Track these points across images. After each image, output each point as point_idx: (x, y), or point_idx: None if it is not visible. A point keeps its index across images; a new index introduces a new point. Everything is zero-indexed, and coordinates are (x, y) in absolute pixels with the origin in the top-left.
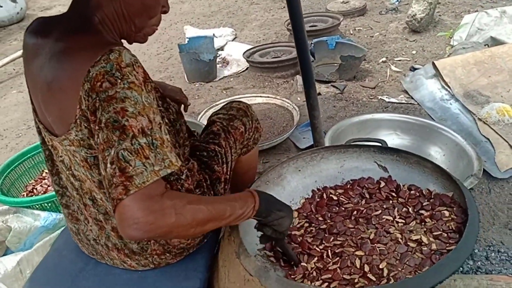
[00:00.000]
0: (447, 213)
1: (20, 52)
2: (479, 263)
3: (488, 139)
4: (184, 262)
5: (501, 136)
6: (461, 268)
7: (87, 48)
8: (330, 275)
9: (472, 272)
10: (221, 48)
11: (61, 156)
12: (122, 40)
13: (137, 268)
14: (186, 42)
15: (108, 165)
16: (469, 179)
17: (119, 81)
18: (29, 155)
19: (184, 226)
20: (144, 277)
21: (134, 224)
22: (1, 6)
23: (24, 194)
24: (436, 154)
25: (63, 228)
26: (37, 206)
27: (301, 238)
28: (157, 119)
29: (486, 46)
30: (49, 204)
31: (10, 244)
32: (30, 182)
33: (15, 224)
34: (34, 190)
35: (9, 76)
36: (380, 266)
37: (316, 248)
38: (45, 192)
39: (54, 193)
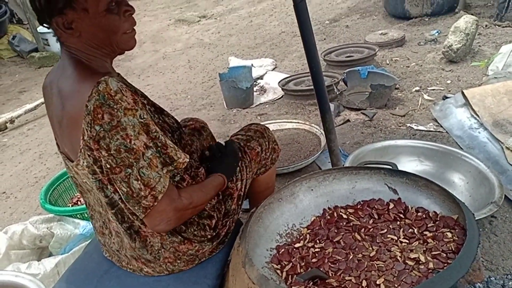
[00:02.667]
0: (449, 235)
1: None
2: None
3: None
4: (195, 269)
5: None
6: None
7: (79, 83)
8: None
9: None
10: (261, 77)
11: (83, 179)
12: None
13: (154, 274)
14: (227, 71)
15: (134, 181)
16: (489, 206)
17: (116, 110)
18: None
19: (198, 211)
20: (159, 280)
21: (167, 221)
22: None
23: (69, 205)
24: (460, 181)
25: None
26: (78, 216)
27: (307, 249)
28: (155, 128)
29: None
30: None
31: (52, 248)
32: (76, 195)
33: (58, 230)
34: (78, 202)
35: None
36: (378, 282)
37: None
38: None
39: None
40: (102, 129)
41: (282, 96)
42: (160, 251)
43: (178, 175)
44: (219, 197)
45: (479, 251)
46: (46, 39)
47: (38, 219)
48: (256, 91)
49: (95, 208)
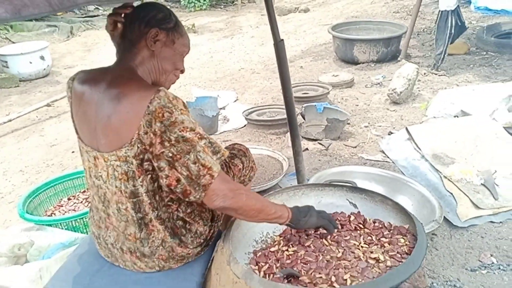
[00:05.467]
0: (402, 240)
1: (42, 103)
2: None
3: (452, 193)
4: (184, 268)
5: (462, 191)
6: None
7: (140, 90)
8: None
9: None
10: (224, 108)
11: (99, 172)
12: None
13: (145, 269)
14: (194, 100)
15: (191, 165)
16: (431, 223)
17: (174, 110)
18: (50, 186)
19: (248, 206)
20: (150, 277)
21: (222, 197)
22: (31, 63)
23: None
24: (405, 203)
25: (80, 239)
26: (57, 226)
27: (281, 252)
28: (201, 128)
29: (456, 117)
30: (67, 224)
31: (31, 256)
32: (49, 208)
33: (37, 239)
34: (53, 215)
35: (32, 122)
36: (344, 277)
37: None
38: None
39: (71, 216)
40: (162, 125)
41: (245, 126)
42: (158, 248)
43: None
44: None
45: (424, 261)
46: (6, 61)
47: (17, 228)
48: (220, 120)
49: (94, 203)
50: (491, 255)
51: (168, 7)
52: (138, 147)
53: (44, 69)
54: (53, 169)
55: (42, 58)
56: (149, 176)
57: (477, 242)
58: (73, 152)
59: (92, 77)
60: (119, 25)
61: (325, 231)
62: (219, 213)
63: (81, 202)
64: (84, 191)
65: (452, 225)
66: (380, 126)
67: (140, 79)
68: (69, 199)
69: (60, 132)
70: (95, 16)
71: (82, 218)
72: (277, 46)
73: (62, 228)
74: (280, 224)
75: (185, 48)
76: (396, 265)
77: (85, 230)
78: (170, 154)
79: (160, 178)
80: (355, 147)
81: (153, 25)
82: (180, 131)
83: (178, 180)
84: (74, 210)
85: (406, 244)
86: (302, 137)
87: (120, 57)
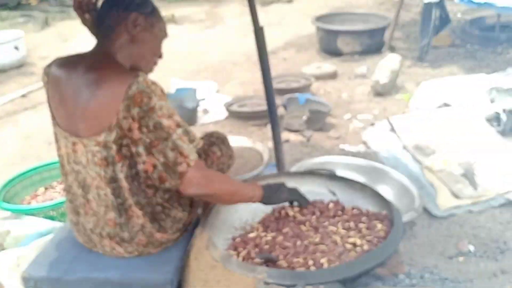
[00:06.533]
0: (379, 226)
1: (17, 94)
2: (414, 281)
3: (432, 184)
4: (162, 253)
5: (442, 181)
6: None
7: (119, 75)
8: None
9: None
10: (204, 99)
11: (79, 158)
12: None
13: (124, 254)
14: (173, 91)
15: (169, 152)
16: (410, 212)
17: (153, 95)
18: (26, 176)
19: (222, 191)
20: (128, 262)
21: (197, 184)
22: (5, 53)
23: None
24: (385, 192)
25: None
26: (34, 214)
27: (260, 238)
28: (179, 115)
29: (439, 108)
30: (44, 213)
31: (8, 245)
32: (26, 198)
33: (14, 228)
34: (29, 205)
35: (6, 114)
36: (321, 261)
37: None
38: None
39: (47, 204)
40: (141, 110)
41: (225, 117)
42: (137, 233)
43: None
44: None
45: (401, 247)
46: None
47: None
48: (199, 112)
49: (72, 190)
50: (469, 243)
51: None
52: (117, 132)
53: (19, 59)
54: (29, 161)
55: (16, 48)
56: (128, 161)
57: (456, 231)
58: (50, 144)
59: (70, 62)
60: (87, 15)
61: (303, 218)
62: (198, 199)
63: (58, 191)
64: (61, 182)
65: (432, 215)
66: (363, 117)
67: (118, 64)
68: (45, 188)
69: (35, 124)
70: (71, 6)
71: (59, 207)
72: (257, 33)
73: (39, 217)
74: (254, 202)
75: (163, 33)
76: (373, 248)
77: (62, 219)
78: (148, 140)
79: (138, 163)
80: (337, 138)
81: (132, 9)
82: (158, 117)
83: (154, 166)
84: (50, 199)
85: (383, 229)
86: (284, 128)
87: (98, 43)
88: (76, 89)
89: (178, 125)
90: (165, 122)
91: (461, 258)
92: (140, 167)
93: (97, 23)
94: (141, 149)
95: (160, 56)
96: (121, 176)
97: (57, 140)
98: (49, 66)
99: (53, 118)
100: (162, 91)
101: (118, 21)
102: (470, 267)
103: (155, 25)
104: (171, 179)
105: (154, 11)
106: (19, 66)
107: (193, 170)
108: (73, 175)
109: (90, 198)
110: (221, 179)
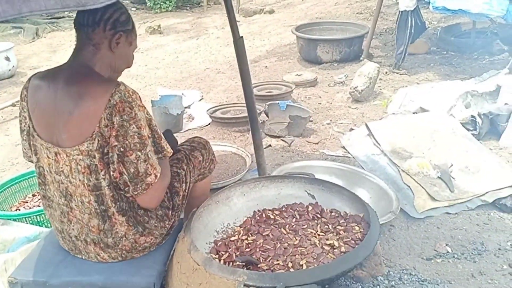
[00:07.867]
0: (357, 228)
1: (7, 103)
2: (393, 282)
3: (409, 186)
4: (146, 257)
5: (419, 184)
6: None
7: (100, 85)
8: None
9: None
10: (189, 106)
11: (61, 167)
12: None
13: (108, 260)
14: (159, 98)
15: (142, 163)
16: (388, 215)
17: (134, 105)
18: (15, 182)
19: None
20: (112, 267)
21: (158, 198)
22: None
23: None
24: (364, 195)
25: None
26: (22, 220)
27: (241, 241)
28: (155, 123)
29: (415, 113)
30: (32, 219)
31: None
32: (14, 204)
33: (2, 234)
34: (18, 211)
35: None
36: (301, 263)
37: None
38: None
39: (35, 210)
40: (121, 119)
41: (209, 124)
42: (121, 239)
43: None
44: (168, 194)
45: (380, 249)
46: None
47: None
48: (185, 119)
49: (55, 199)
50: (446, 245)
51: (134, 8)
52: (98, 140)
53: (9, 70)
54: (18, 168)
55: (7, 59)
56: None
57: (433, 233)
58: None
59: (49, 75)
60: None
61: (283, 222)
62: (180, 202)
63: None
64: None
65: (409, 217)
66: (341, 123)
67: (97, 74)
68: (33, 195)
69: None
70: (60, 17)
71: None
72: (236, 43)
73: (27, 223)
74: None
75: (136, 45)
76: (350, 250)
77: (48, 225)
78: (122, 149)
79: (112, 170)
80: (317, 143)
81: (117, 29)
82: (138, 128)
83: (121, 174)
84: (38, 206)
85: (360, 231)
86: (266, 134)
87: (76, 54)
88: (57, 101)
89: (149, 137)
90: (143, 132)
91: (439, 260)
92: (111, 174)
93: (83, 38)
94: (114, 156)
95: (130, 66)
96: (104, 183)
97: (36, 153)
98: (28, 80)
99: (34, 130)
100: (141, 100)
101: (103, 37)
102: (448, 268)
103: (133, 41)
104: (136, 189)
105: (133, 28)
106: (10, 76)
107: (158, 182)
108: (55, 185)
109: (73, 206)
110: (165, 179)
